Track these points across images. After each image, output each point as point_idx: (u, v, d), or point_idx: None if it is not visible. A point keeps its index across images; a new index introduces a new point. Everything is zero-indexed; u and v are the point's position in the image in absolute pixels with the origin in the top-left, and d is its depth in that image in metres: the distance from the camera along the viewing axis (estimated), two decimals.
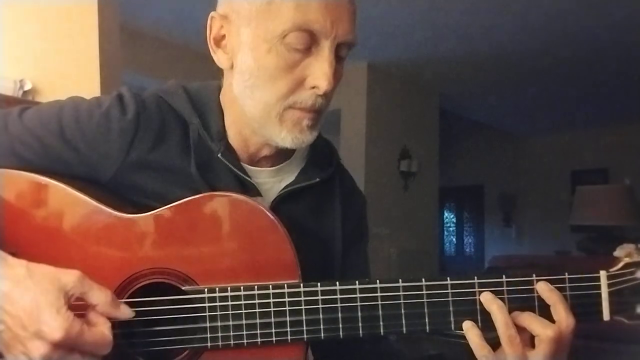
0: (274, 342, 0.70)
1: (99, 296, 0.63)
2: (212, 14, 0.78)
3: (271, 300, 0.70)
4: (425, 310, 0.70)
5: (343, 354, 0.86)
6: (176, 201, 0.73)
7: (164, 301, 0.70)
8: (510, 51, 4.24)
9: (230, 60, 0.78)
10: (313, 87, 0.73)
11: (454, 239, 8.05)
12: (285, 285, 0.70)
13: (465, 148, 7.29)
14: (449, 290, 0.70)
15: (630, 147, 6.14)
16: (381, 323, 0.70)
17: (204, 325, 0.70)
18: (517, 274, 0.71)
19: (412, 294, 0.70)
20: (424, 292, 0.70)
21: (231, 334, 0.70)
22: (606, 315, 0.71)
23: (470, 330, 0.70)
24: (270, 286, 0.70)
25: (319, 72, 0.72)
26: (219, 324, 0.70)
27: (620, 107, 5.58)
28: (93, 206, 0.72)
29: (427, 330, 0.71)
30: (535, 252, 6.42)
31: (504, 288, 0.70)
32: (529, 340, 0.70)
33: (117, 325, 0.66)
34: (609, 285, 0.71)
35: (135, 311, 0.66)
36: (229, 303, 0.70)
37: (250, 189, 0.79)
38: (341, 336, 0.70)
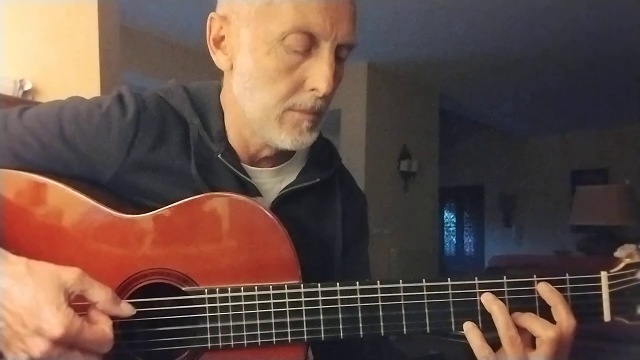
0: (274, 342, 0.70)
1: (100, 294, 0.63)
2: (211, 14, 0.78)
3: (271, 300, 0.69)
4: (426, 310, 0.70)
5: (343, 354, 0.86)
6: (176, 201, 0.73)
7: (164, 302, 0.70)
8: (510, 51, 4.24)
9: (229, 62, 0.78)
10: (312, 89, 0.73)
11: (454, 239, 8.05)
12: (286, 285, 0.70)
13: (465, 148, 7.29)
14: (450, 291, 0.70)
15: (630, 147, 6.14)
16: (382, 324, 0.70)
17: (204, 325, 0.70)
18: (518, 274, 0.71)
19: (412, 294, 0.70)
20: (425, 292, 0.70)
21: (231, 334, 0.69)
22: (607, 316, 0.71)
23: (471, 331, 0.70)
24: (271, 287, 0.70)
25: (318, 74, 0.72)
26: (219, 324, 0.70)
27: (620, 107, 5.58)
28: (93, 207, 0.72)
29: (428, 331, 0.71)
30: (535, 252, 6.42)
31: (505, 289, 0.70)
32: (530, 341, 0.69)
33: (118, 325, 0.66)
34: (610, 286, 0.71)
35: (136, 312, 0.66)
36: (229, 304, 0.70)
37: (250, 190, 0.79)
38: (341, 337, 0.70)
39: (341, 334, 0.70)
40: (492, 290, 0.70)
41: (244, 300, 0.70)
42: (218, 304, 0.70)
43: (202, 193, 0.74)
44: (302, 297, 0.70)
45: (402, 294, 0.70)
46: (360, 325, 0.70)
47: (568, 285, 0.71)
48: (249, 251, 0.71)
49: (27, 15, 1.64)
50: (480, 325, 0.70)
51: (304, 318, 0.70)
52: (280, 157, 0.84)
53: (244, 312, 0.69)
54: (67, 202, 0.73)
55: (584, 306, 0.71)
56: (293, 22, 0.70)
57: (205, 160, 0.79)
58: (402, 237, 4.78)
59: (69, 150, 0.76)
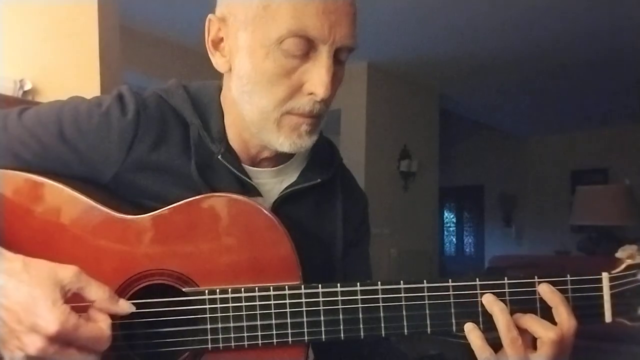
0: (275, 343, 0.69)
1: (97, 292, 0.63)
2: (209, 16, 0.77)
3: (272, 302, 0.69)
4: (427, 311, 0.70)
5: (343, 355, 0.86)
6: (176, 202, 0.72)
7: (165, 303, 0.70)
8: (510, 51, 4.24)
9: (228, 64, 0.77)
10: (311, 94, 0.72)
11: (454, 239, 8.05)
12: (286, 286, 0.70)
13: (465, 148, 7.29)
14: (451, 292, 0.70)
15: (630, 147, 6.14)
16: (382, 325, 0.70)
17: (204, 326, 0.69)
18: (519, 275, 0.71)
19: (413, 295, 0.70)
20: (425, 293, 0.70)
21: (232, 335, 0.69)
22: (608, 317, 0.71)
23: (472, 333, 0.69)
24: (271, 287, 0.70)
25: (316, 78, 0.71)
26: (219, 325, 0.69)
27: (620, 107, 5.58)
28: (93, 207, 0.72)
29: (429, 332, 0.71)
30: (535, 252, 6.42)
31: (506, 290, 0.70)
32: (531, 342, 0.69)
33: (118, 326, 0.66)
34: (611, 287, 0.71)
35: (136, 313, 0.66)
36: (230, 305, 0.69)
37: (250, 190, 0.79)
38: (342, 337, 0.70)
39: (342, 334, 0.70)
40: (493, 291, 0.70)
41: (245, 301, 0.69)
42: (219, 305, 0.69)
43: (202, 193, 0.74)
44: (303, 298, 0.69)
45: (402, 295, 0.70)
46: (361, 326, 0.70)
47: (569, 287, 0.71)
48: (249, 252, 0.71)
49: (27, 15, 1.64)
50: (481, 326, 0.70)
51: (305, 319, 0.69)
52: (281, 157, 0.83)
53: (244, 313, 0.69)
54: (67, 202, 0.72)
55: (585, 307, 0.71)
56: (290, 26, 0.69)
57: (205, 161, 0.79)
58: (402, 237, 4.78)
59: (69, 150, 0.76)
